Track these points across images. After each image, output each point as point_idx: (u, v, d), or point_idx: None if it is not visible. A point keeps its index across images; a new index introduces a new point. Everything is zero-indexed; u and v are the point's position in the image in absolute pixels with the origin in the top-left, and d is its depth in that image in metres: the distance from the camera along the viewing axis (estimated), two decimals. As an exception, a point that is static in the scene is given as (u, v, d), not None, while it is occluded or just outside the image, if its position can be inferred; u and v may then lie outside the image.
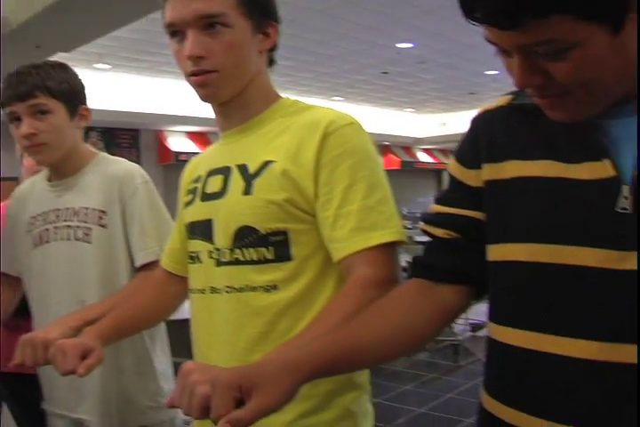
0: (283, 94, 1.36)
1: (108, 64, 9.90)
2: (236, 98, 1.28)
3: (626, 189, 0.80)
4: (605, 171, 0.81)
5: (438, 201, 1.04)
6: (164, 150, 12.57)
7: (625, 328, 0.78)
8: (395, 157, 17.51)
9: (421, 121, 17.14)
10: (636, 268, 0.78)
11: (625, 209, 0.79)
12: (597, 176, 0.82)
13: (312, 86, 12.26)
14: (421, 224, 1.05)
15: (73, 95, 1.76)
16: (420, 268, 1.03)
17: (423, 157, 18.96)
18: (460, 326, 6.20)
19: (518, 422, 0.87)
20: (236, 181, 1.24)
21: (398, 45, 9.31)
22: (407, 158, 17.99)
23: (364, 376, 1.28)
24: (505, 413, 0.90)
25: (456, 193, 1.01)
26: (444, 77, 11.83)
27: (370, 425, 1.30)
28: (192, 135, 12.89)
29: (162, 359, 1.81)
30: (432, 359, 5.82)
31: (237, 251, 1.21)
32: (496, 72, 10.63)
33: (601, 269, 0.80)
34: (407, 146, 18.22)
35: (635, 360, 0.77)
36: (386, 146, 17.07)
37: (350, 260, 1.14)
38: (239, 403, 0.80)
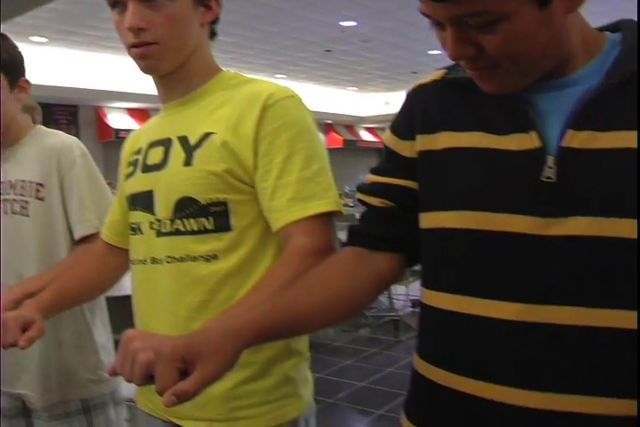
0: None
1: (45, 37, 9.63)
2: (177, 70, 1.28)
3: (550, 160, 0.84)
4: (532, 142, 0.85)
5: (374, 171, 1.07)
6: (103, 127, 12.35)
7: (550, 290, 0.82)
8: (337, 136, 17.57)
9: (364, 100, 17.22)
10: (560, 233, 0.82)
11: (549, 178, 0.83)
12: (524, 147, 0.86)
13: (254, 63, 12.18)
14: (357, 194, 1.08)
15: (13, 66, 1.71)
16: (355, 236, 1.06)
17: (366, 135, 19.08)
18: (400, 302, 6.32)
19: (450, 383, 0.91)
20: (177, 152, 1.25)
21: (342, 23, 9.31)
22: (350, 137, 18.07)
23: (302, 344, 1.32)
24: (437, 375, 0.94)
25: (391, 164, 1.04)
26: (388, 56, 11.90)
27: (309, 392, 1.34)
28: (133, 112, 12.68)
29: (102, 332, 1.81)
30: (373, 335, 5.93)
31: (178, 221, 1.23)
32: (439, 52, 10.73)
33: (528, 235, 0.84)
34: (350, 124, 18.30)
35: (560, 321, 0.81)
36: (328, 124, 17.11)
37: (288, 229, 1.17)
38: (183, 373, 0.81)
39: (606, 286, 0.81)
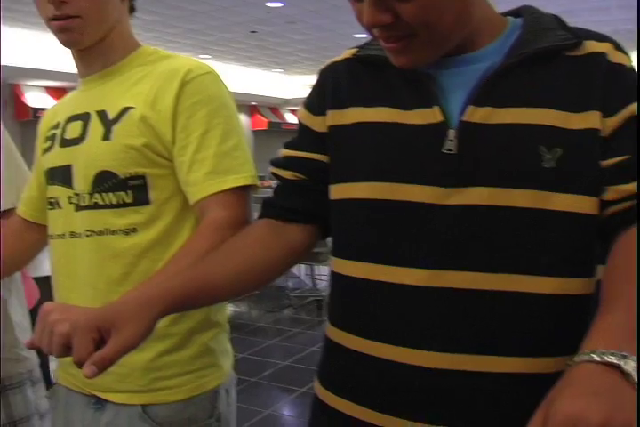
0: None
1: (-44, 11, 9.23)
2: (97, 44, 1.28)
3: (452, 133, 0.89)
4: (435, 117, 0.91)
5: (287, 146, 1.11)
6: (20, 106, 11.92)
7: (450, 256, 0.88)
8: (262, 118, 17.47)
9: (290, 82, 17.17)
10: (459, 203, 0.87)
11: (450, 150, 0.89)
12: (428, 121, 0.91)
13: (179, 43, 11.96)
14: (271, 168, 1.11)
15: None
16: (269, 209, 1.10)
17: (291, 117, 19.01)
18: (323, 282, 6.40)
19: (359, 347, 0.96)
20: (96, 126, 1.25)
21: (268, 4, 9.24)
22: (275, 119, 17.99)
23: (222, 315, 1.34)
24: (346, 339, 0.98)
25: (303, 138, 1.08)
26: (314, 39, 11.88)
27: (229, 363, 1.37)
28: (51, 91, 12.28)
29: (18, 310, 1.78)
30: (297, 315, 5.99)
31: (97, 195, 1.23)
32: (364, 35, 10.77)
33: (429, 204, 0.89)
34: (275, 107, 18.22)
35: (459, 285, 0.87)
36: (254, 106, 17.00)
37: (205, 202, 1.19)
38: (100, 344, 0.83)
39: (501, 251, 0.87)
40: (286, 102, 17.72)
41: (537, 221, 0.87)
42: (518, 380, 0.86)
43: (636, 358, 0.66)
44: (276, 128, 17.63)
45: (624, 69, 0.91)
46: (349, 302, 0.99)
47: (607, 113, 0.88)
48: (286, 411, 3.70)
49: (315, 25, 10.69)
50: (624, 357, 0.66)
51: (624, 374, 0.65)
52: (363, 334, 0.95)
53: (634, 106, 0.88)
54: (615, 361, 0.66)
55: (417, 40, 0.88)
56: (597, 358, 0.67)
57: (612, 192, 0.88)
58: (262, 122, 17.33)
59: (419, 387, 0.89)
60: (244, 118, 17.30)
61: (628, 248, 0.84)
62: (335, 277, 1.02)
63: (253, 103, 16.58)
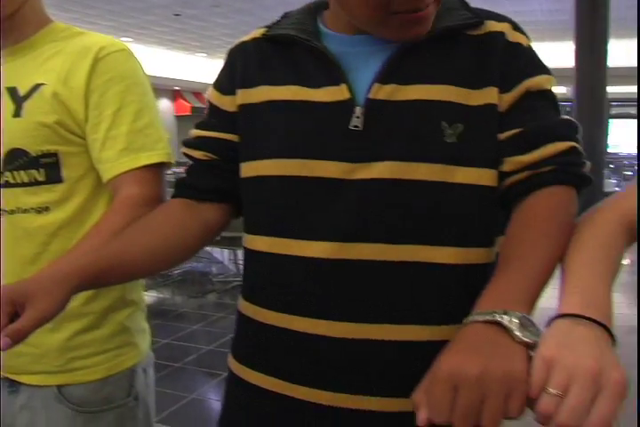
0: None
1: None
2: (8, 18, 1.24)
3: (358, 110, 0.92)
4: (342, 94, 0.93)
5: (197, 126, 1.11)
6: None
7: (357, 229, 0.91)
8: (185, 103, 17.27)
9: (213, 66, 16.97)
10: (366, 177, 0.90)
11: (356, 127, 0.92)
12: (335, 99, 0.93)
13: (100, 25, 11.67)
14: (182, 148, 1.11)
15: None
16: (182, 189, 1.10)
17: (215, 103, 18.82)
18: (247, 267, 6.37)
19: (269, 320, 0.98)
20: (6, 103, 1.22)
21: (191, -14, 9.12)
22: (198, 104, 17.79)
23: (137, 294, 1.35)
24: (257, 313, 1.00)
25: (214, 118, 1.09)
26: (238, 23, 11.77)
27: (146, 342, 1.37)
28: None
29: None
30: (220, 300, 5.98)
31: (7, 174, 1.21)
32: (287, 20, 10.73)
33: (337, 179, 0.92)
34: (198, 91, 18.00)
35: (366, 257, 0.90)
36: (177, 91, 16.76)
37: (119, 180, 1.19)
38: (14, 318, 0.82)
39: (405, 223, 0.90)
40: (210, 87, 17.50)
41: (440, 193, 0.90)
42: (423, 348, 0.89)
43: (518, 313, 0.72)
44: (200, 113, 17.26)
45: (520, 48, 0.96)
46: (259, 276, 1.01)
47: (504, 89, 0.92)
48: (210, 395, 3.70)
49: (239, 9, 10.61)
50: (505, 313, 0.72)
51: (506, 330, 0.70)
52: (272, 307, 0.97)
53: (528, 81, 0.93)
54: (497, 318, 0.71)
55: (433, 9, 0.91)
56: (480, 318, 0.73)
57: (509, 164, 0.92)
58: (185, 107, 17.13)
59: (327, 357, 0.92)
60: (167, 103, 17.01)
61: (524, 217, 0.89)
62: (247, 253, 1.04)
63: (176, 88, 16.36)
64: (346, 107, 0.92)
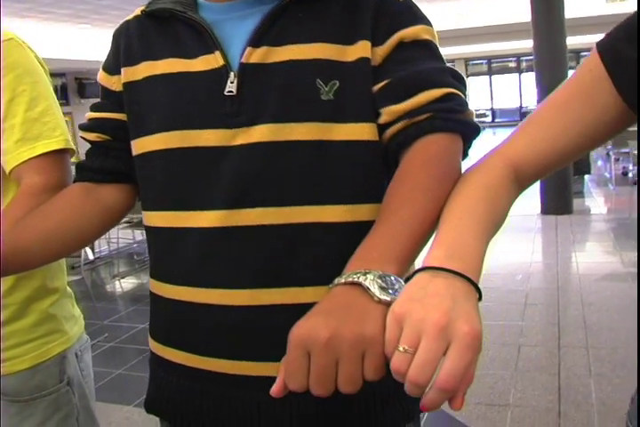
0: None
1: None
2: None
3: (232, 76, 0.92)
4: (217, 61, 0.93)
5: (91, 108, 1.10)
6: None
7: (240, 195, 0.91)
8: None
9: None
10: (245, 142, 0.90)
11: (231, 92, 0.92)
12: (211, 67, 0.93)
13: (55, 13, 11.47)
14: (80, 132, 1.10)
15: None
16: (80, 172, 1.09)
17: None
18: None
19: (173, 294, 0.98)
20: None
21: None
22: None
23: (60, 281, 1.35)
24: (162, 289, 1.00)
25: (105, 99, 1.08)
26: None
27: (76, 328, 1.37)
28: None
29: None
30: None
31: None
32: None
33: (218, 147, 0.92)
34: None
35: (254, 222, 0.90)
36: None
37: (19, 170, 1.18)
38: None
39: (289, 185, 0.90)
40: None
41: (320, 152, 0.90)
42: None
43: (380, 272, 0.69)
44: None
45: (392, 1, 0.95)
46: (159, 252, 1.01)
47: (376, 42, 0.92)
48: (136, 371, 3.67)
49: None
50: (366, 273, 0.69)
51: (366, 290, 0.68)
52: (173, 281, 0.98)
53: (402, 32, 0.92)
54: (355, 279, 0.69)
55: None
56: (342, 280, 0.70)
57: (385, 115, 0.91)
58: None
59: (230, 326, 0.92)
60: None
61: (400, 169, 0.87)
62: (146, 230, 1.04)
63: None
64: (220, 74, 0.92)
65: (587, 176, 8.98)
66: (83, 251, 4.78)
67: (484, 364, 3.40)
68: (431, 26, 0.98)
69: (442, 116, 0.89)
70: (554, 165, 0.88)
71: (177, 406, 1.00)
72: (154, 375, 1.08)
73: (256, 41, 0.92)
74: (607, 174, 10.00)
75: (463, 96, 0.93)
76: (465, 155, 0.93)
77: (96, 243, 6.42)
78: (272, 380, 0.89)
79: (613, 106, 0.83)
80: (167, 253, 0.99)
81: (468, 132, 0.92)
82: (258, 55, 0.92)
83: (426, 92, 0.90)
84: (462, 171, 0.88)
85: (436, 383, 0.59)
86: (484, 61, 24.65)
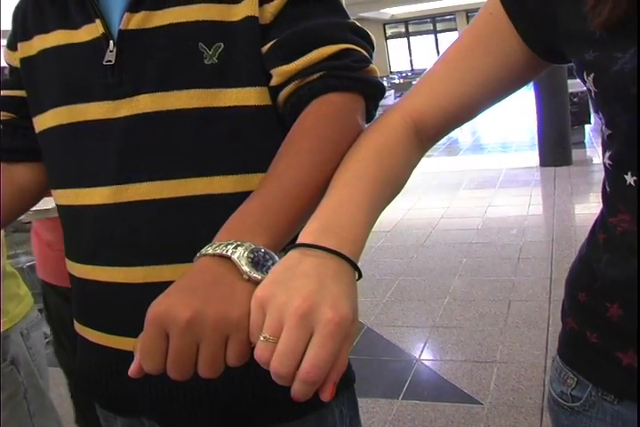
0: None
1: None
2: None
3: (112, 44, 0.86)
4: (97, 30, 0.88)
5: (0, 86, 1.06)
6: None
7: (127, 170, 0.86)
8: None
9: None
10: (129, 113, 0.85)
11: (109, 62, 0.86)
12: (92, 36, 0.88)
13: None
14: None
15: None
16: None
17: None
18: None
19: (80, 273, 0.95)
20: None
21: None
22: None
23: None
24: (73, 268, 0.97)
25: (10, 76, 1.04)
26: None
27: (23, 307, 1.36)
28: None
29: None
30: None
31: None
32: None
33: (102, 120, 0.87)
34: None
35: (144, 197, 0.85)
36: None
37: None
38: None
39: (176, 157, 0.86)
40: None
41: (207, 120, 0.85)
42: None
43: (253, 245, 0.63)
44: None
45: None
46: (65, 231, 0.98)
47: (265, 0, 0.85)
48: None
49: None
50: (238, 245, 0.62)
51: (235, 266, 0.61)
52: (79, 260, 0.95)
53: None
54: (224, 252, 0.62)
55: None
56: (211, 251, 0.63)
57: (276, 76, 0.85)
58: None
59: (133, 304, 0.87)
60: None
61: (291, 132, 0.80)
62: (57, 209, 1.00)
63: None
64: (100, 43, 0.87)
65: (587, 126, 8.84)
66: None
67: (474, 320, 3.39)
68: None
69: (336, 74, 0.82)
70: (457, 118, 0.82)
71: (99, 388, 0.98)
72: (78, 356, 1.05)
73: (134, 6, 0.86)
74: (609, 123, 9.81)
75: (365, 52, 0.86)
76: (371, 116, 0.87)
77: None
78: None
79: (518, 51, 0.76)
80: (71, 232, 0.96)
81: (369, 90, 0.85)
82: (136, 21, 0.86)
83: (319, 49, 0.83)
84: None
85: (298, 375, 0.54)
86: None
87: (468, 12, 23.80)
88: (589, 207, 5.54)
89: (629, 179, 0.69)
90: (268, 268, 0.62)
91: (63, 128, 0.90)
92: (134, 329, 0.89)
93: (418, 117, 0.79)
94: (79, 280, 0.96)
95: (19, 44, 0.98)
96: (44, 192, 1.08)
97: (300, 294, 0.56)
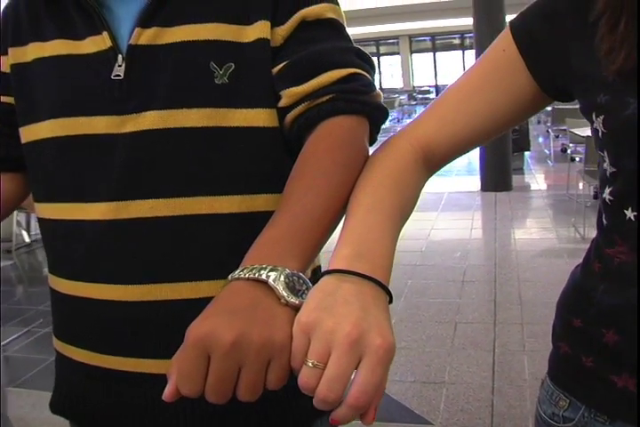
0: None
1: None
2: None
3: (120, 58, 0.85)
4: (104, 43, 0.86)
5: None
6: None
7: (129, 186, 0.85)
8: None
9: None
10: (135, 129, 0.84)
11: (118, 76, 0.85)
12: (98, 49, 0.86)
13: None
14: None
15: None
16: None
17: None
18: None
19: (67, 290, 0.92)
20: None
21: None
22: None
23: None
24: (58, 284, 0.94)
25: None
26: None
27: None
28: None
29: None
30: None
31: None
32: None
33: (106, 134, 0.85)
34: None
35: (145, 215, 0.84)
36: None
37: None
38: None
39: (180, 175, 0.84)
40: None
41: (213, 139, 0.84)
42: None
43: (287, 270, 0.63)
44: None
45: None
46: (53, 246, 0.95)
47: (277, 22, 0.86)
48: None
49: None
50: (272, 270, 0.62)
51: (271, 290, 0.62)
52: (66, 276, 0.92)
53: (304, 11, 0.87)
54: (261, 276, 0.62)
55: None
56: (244, 275, 0.63)
57: (285, 98, 0.85)
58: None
59: (127, 323, 0.87)
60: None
61: (303, 155, 0.81)
62: (40, 223, 0.97)
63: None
64: (108, 56, 0.86)
65: (526, 153, 9.10)
66: (15, 234, 4.62)
67: (422, 342, 3.43)
68: (337, 4, 0.92)
69: (345, 98, 0.83)
70: (464, 147, 0.85)
71: (80, 407, 0.95)
72: (58, 375, 1.02)
73: (145, 21, 0.85)
74: (547, 151, 10.15)
75: (369, 77, 0.89)
76: (373, 139, 0.89)
77: (33, 225, 6.24)
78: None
79: (528, 88, 0.80)
80: (60, 247, 0.93)
81: (375, 114, 0.87)
82: (147, 36, 0.85)
83: (328, 72, 0.84)
84: (369, 155, 0.83)
85: (347, 400, 0.55)
86: (428, 38, 24.76)
87: (412, 37, 24.34)
88: (530, 233, 5.70)
89: (629, 214, 0.73)
90: (303, 292, 0.63)
91: (60, 140, 0.88)
92: (124, 348, 0.89)
93: (426, 145, 0.82)
94: (65, 297, 0.93)
95: (10, 49, 0.95)
96: (19, 204, 1.04)
97: (348, 320, 0.56)
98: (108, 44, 0.86)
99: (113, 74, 0.85)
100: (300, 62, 0.85)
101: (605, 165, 0.75)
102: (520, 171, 8.46)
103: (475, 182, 7.62)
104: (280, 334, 0.58)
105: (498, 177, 7.43)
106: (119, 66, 0.85)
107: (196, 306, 0.84)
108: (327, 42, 0.88)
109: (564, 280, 0.92)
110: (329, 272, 0.63)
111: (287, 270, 0.63)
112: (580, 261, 0.87)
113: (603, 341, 0.77)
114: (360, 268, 0.62)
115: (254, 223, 0.83)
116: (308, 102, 0.84)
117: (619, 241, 0.76)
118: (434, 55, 24.98)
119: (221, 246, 0.86)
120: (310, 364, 0.56)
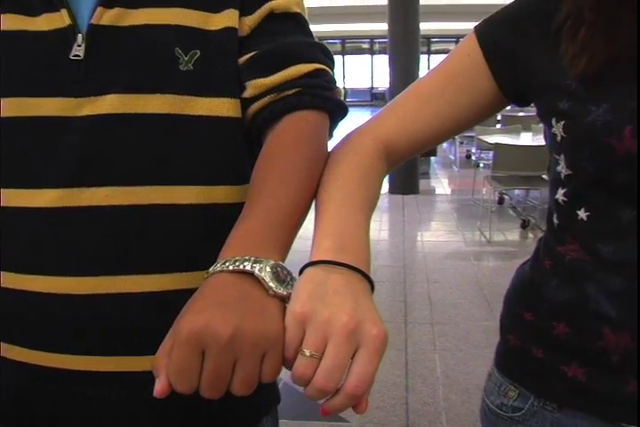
0: None
1: None
2: None
3: (80, 38, 0.81)
4: (62, 21, 0.82)
5: None
6: None
7: (84, 173, 0.80)
8: None
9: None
10: (91, 113, 0.80)
11: (77, 56, 0.81)
12: (55, 26, 0.82)
13: None
14: None
15: None
16: None
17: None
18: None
19: (11, 284, 0.84)
20: None
21: None
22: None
23: None
24: (2, 278, 0.86)
25: None
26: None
27: None
28: None
29: None
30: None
31: None
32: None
33: (59, 117, 0.81)
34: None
35: (97, 203, 0.80)
36: None
37: None
38: None
39: (137, 163, 0.81)
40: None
41: (175, 127, 0.82)
42: (168, 299, 0.80)
43: (272, 261, 0.63)
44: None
45: None
46: None
47: (245, 12, 0.86)
48: None
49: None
50: (257, 261, 0.62)
51: (258, 281, 0.61)
52: (7, 268, 0.85)
53: (272, 3, 0.87)
54: (248, 268, 0.61)
55: None
56: (229, 267, 0.62)
57: (251, 88, 0.85)
58: None
59: (75, 318, 0.82)
60: None
61: (270, 147, 0.81)
62: None
63: None
64: (66, 34, 0.81)
65: (432, 158, 9.36)
66: None
67: (335, 340, 3.46)
68: None
69: (311, 93, 0.84)
70: (424, 146, 0.88)
71: (19, 411, 0.89)
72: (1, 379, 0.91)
73: (108, 1, 0.82)
74: (452, 157, 10.46)
75: (332, 73, 0.90)
76: (330, 135, 0.89)
77: None
78: (126, 375, 0.82)
79: (489, 91, 0.84)
80: (4, 237, 0.85)
81: (336, 111, 0.88)
82: (110, 17, 0.81)
83: (296, 66, 0.85)
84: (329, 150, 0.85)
85: (345, 389, 0.55)
86: (339, 41, 25.04)
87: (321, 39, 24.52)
88: (437, 235, 5.86)
89: (582, 214, 0.78)
90: (288, 283, 0.62)
91: (9, 121, 0.82)
92: (73, 344, 0.83)
93: (388, 143, 0.85)
94: (5, 291, 0.85)
95: None
96: None
97: (343, 310, 0.57)
98: (67, 21, 0.82)
99: (72, 54, 0.81)
100: (268, 54, 0.85)
101: (560, 167, 0.80)
102: (426, 175, 8.68)
103: (383, 185, 7.76)
104: (273, 326, 0.58)
105: (405, 180, 7.61)
106: (78, 46, 0.81)
107: (143, 301, 0.82)
108: (294, 36, 0.88)
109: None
110: (314, 263, 0.63)
111: (271, 261, 0.63)
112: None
113: (553, 333, 0.82)
114: (345, 259, 0.63)
115: (214, 215, 0.84)
116: (274, 94, 0.84)
117: (570, 239, 0.81)
118: (343, 58, 25.28)
119: (180, 238, 0.83)
120: (307, 353, 0.56)
